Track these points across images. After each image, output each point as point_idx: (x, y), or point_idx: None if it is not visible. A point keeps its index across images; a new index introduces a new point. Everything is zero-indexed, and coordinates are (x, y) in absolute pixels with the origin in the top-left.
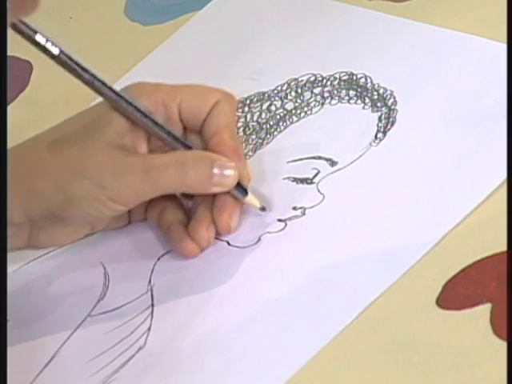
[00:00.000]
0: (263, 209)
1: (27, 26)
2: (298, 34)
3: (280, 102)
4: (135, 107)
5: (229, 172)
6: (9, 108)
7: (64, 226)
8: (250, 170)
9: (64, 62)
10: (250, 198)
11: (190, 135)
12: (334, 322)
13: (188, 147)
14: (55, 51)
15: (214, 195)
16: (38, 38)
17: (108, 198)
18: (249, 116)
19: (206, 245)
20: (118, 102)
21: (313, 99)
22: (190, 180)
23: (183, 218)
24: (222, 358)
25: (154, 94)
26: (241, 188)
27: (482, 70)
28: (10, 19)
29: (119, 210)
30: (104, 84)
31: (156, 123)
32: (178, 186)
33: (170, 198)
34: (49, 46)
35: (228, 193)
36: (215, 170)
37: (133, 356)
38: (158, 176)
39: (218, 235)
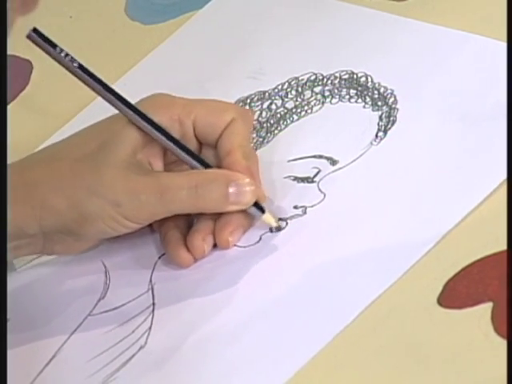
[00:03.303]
0: (279, 228)
1: (46, 38)
2: (299, 32)
3: (280, 101)
4: (152, 123)
5: (246, 189)
6: (9, 108)
7: (77, 241)
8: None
9: (80, 74)
10: (267, 217)
11: (206, 150)
12: (335, 321)
13: (204, 163)
14: (74, 64)
15: None
16: (58, 50)
17: (123, 216)
18: None
19: (201, 255)
20: (134, 117)
21: (313, 98)
22: (205, 202)
23: (183, 227)
24: (223, 357)
25: (169, 110)
26: (257, 206)
27: (483, 68)
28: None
29: (133, 227)
30: (121, 98)
31: (172, 139)
32: (192, 208)
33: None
34: (68, 59)
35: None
36: (231, 190)
37: (133, 355)
38: (172, 198)
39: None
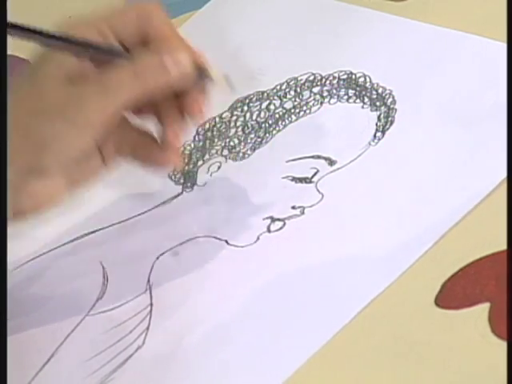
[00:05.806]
0: (231, 87)
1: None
2: (297, 32)
3: (279, 101)
4: (69, 38)
5: (179, 54)
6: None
7: (43, 180)
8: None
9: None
10: (217, 80)
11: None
12: (332, 321)
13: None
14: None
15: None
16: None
17: (75, 127)
18: (248, 115)
19: (178, 144)
20: (53, 43)
21: (312, 98)
22: (146, 79)
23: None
24: (221, 357)
25: (88, 27)
26: (203, 75)
27: (482, 69)
28: None
29: (88, 140)
30: (32, 30)
31: (91, 45)
32: (140, 90)
33: (130, 130)
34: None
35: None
36: (165, 57)
37: (131, 355)
38: (117, 91)
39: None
